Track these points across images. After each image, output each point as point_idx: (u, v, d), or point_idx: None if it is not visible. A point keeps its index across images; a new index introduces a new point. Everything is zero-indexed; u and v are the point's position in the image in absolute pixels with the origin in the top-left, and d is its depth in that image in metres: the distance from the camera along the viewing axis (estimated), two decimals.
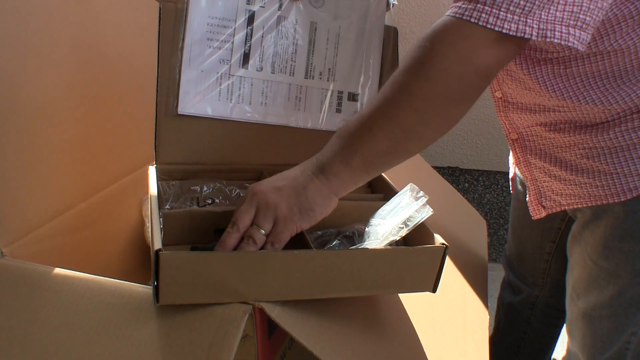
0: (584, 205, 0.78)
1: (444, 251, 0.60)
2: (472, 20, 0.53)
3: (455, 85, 0.54)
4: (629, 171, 0.72)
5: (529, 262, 1.03)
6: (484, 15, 0.52)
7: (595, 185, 0.75)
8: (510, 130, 0.83)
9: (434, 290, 0.62)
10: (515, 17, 0.52)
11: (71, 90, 0.75)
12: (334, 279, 0.57)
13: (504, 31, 0.52)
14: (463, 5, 0.53)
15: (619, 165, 0.72)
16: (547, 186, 0.83)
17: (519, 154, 0.85)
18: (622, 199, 0.73)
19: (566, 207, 0.82)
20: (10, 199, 0.66)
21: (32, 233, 0.69)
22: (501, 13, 0.52)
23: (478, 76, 0.55)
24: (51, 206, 0.73)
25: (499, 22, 0.52)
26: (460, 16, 0.53)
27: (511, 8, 0.52)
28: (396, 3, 0.80)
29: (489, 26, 0.52)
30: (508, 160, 0.97)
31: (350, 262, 0.57)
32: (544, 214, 0.86)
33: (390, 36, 0.80)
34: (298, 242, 0.60)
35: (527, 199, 0.88)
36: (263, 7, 0.71)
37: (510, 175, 0.99)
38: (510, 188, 1.01)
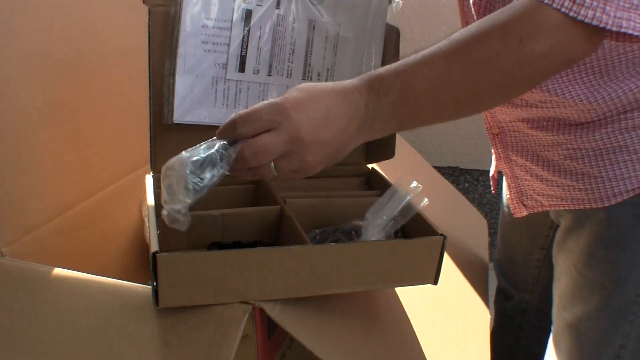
0: (566, 208, 0.76)
1: (442, 242, 0.60)
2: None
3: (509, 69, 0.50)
4: (613, 175, 0.70)
5: (519, 267, 1.01)
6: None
7: (579, 189, 0.73)
8: (491, 124, 0.81)
9: (435, 282, 0.62)
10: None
11: (71, 90, 0.75)
12: (333, 274, 0.56)
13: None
14: None
15: (603, 168, 0.70)
16: (529, 185, 0.81)
17: (499, 150, 0.83)
18: (606, 204, 0.71)
19: (548, 208, 0.80)
20: (10, 199, 0.66)
21: (32, 233, 0.69)
22: None
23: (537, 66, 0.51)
24: (51, 206, 0.73)
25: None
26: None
27: None
28: (401, 2, 0.78)
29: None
30: (491, 159, 0.93)
31: (349, 256, 0.57)
32: (525, 212, 0.84)
33: (392, 37, 0.78)
34: (295, 240, 0.60)
35: (506, 196, 0.86)
36: (260, 5, 0.69)
37: (491, 173, 0.96)
38: (492, 187, 0.98)
